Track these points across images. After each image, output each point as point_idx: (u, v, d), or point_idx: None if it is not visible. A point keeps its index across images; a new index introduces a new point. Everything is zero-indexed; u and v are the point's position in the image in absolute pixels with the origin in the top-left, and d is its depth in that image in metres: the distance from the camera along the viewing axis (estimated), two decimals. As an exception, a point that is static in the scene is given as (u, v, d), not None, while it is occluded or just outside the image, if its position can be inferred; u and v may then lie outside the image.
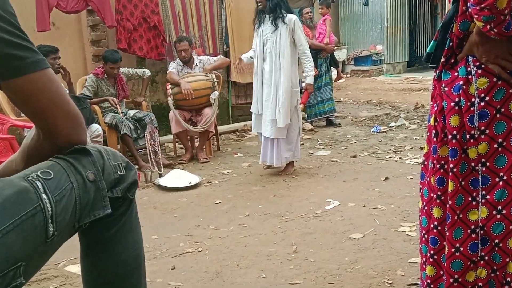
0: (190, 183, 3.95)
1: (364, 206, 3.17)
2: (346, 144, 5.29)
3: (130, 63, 5.48)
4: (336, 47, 7.26)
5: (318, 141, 5.52)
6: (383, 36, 11.97)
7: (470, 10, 1.27)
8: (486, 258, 1.46)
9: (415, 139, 5.26)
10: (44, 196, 0.91)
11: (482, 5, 1.20)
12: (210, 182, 4.09)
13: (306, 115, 6.53)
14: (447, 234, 1.50)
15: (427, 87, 9.45)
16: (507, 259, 1.44)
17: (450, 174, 1.46)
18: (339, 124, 6.42)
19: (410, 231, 2.66)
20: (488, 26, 1.25)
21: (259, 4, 3.89)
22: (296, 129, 4.06)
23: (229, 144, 5.70)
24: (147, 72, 5.16)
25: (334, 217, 3.01)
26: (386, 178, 3.78)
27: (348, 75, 12.12)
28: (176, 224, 3.09)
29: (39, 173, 0.94)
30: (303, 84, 4.62)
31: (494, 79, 1.37)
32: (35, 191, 0.90)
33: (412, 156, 4.48)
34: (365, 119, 6.80)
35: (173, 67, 5.00)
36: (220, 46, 6.43)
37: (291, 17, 3.83)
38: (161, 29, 5.66)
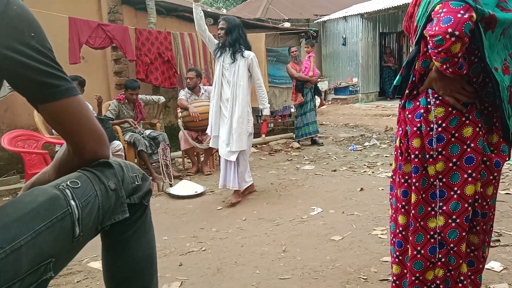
0: (196, 192, 3.92)
1: (343, 212, 3.16)
2: (328, 160, 5.29)
3: (147, 91, 5.51)
4: (319, 79, 7.32)
5: (304, 157, 5.52)
6: (358, 71, 12.10)
7: (430, 52, 1.28)
8: (443, 259, 1.46)
9: (386, 156, 5.27)
10: (72, 202, 0.90)
11: (440, 49, 1.21)
12: (213, 191, 4.07)
13: (294, 135, 6.56)
14: (410, 238, 1.49)
15: (395, 113, 9.51)
16: (460, 261, 1.45)
17: (413, 187, 1.47)
18: (322, 143, 6.43)
19: (381, 234, 2.65)
20: (445, 66, 1.26)
21: (220, 39, 3.58)
22: (247, 157, 3.76)
23: (229, 159, 5.68)
24: (162, 99, 5.17)
25: (317, 222, 2.99)
26: (362, 189, 3.77)
27: (329, 102, 12.20)
28: (183, 227, 3.06)
29: (68, 182, 0.93)
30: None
31: (450, 109, 1.38)
32: (64, 198, 0.90)
33: (383, 171, 4.48)
34: (343, 139, 6.82)
35: (183, 94, 5.02)
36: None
37: (249, 53, 3.55)
38: (173, 62, 5.70)
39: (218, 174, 4.73)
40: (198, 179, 4.55)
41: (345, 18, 12.41)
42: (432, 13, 1.25)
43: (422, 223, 1.47)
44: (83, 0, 5.44)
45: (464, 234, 1.41)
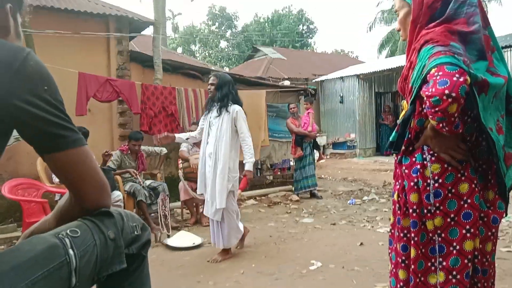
0: (194, 243, 3.82)
1: (343, 267, 3.05)
2: (327, 213, 5.21)
3: (149, 142, 5.57)
4: (318, 134, 7.43)
5: (303, 210, 5.44)
6: (355, 127, 12.34)
7: (426, 111, 1.31)
8: None
9: (385, 211, 5.20)
10: (70, 251, 0.89)
11: (437, 109, 1.24)
12: (211, 243, 3.96)
13: (293, 188, 6.52)
14: None
15: (393, 168, 9.51)
16: None
17: (412, 242, 1.44)
18: (321, 196, 6.37)
19: (383, 290, 2.55)
20: (441, 125, 1.29)
21: (209, 93, 3.51)
22: (234, 214, 3.45)
23: (228, 211, 5.60)
24: (164, 151, 5.21)
25: (317, 277, 2.88)
26: (361, 244, 3.67)
27: (328, 157, 12.29)
28: (180, 280, 2.94)
29: (68, 231, 0.93)
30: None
31: (445, 166, 1.40)
32: (63, 247, 0.89)
33: (382, 225, 4.40)
34: (342, 193, 6.77)
35: (185, 146, 5.08)
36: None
37: (234, 108, 3.43)
38: (176, 116, 5.82)
39: (216, 226, 4.66)
40: (197, 230, 4.45)
41: (342, 78, 12.88)
42: (428, 75, 1.29)
43: (422, 278, 1.43)
44: (94, 57, 5.68)
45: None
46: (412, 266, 1.44)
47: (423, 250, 1.43)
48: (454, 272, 1.37)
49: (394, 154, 1.59)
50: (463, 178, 1.38)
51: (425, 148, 1.43)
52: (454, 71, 1.23)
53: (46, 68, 0.93)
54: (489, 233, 1.42)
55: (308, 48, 27.91)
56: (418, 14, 1.44)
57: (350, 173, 9.26)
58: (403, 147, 1.51)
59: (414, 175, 1.44)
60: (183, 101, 5.98)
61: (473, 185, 1.38)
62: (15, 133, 0.92)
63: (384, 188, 7.09)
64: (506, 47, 8.98)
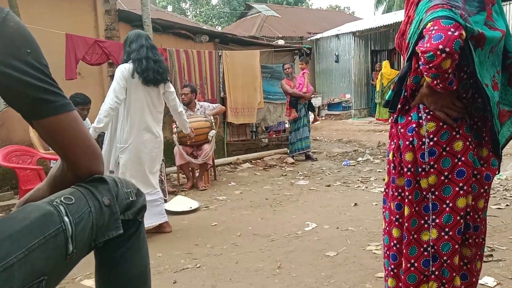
0: (191, 207, 3.89)
1: (337, 228, 3.14)
2: (322, 175, 5.29)
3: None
4: (312, 95, 7.38)
5: (299, 172, 5.51)
6: (351, 87, 12.26)
7: (421, 67, 1.30)
8: (436, 272, 1.45)
9: (379, 171, 5.28)
10: (66, 218, 0.89)
11: (431, 65, 1.23)
12: (208, 207, 4.03)
13: (288, 151, 6.57)
14: (404, 251, 1.49)
15: (387, 128, 9.58)
16: (454, 274, 1.44)
17: (406, 200, 1.47)
18: (316, 158, 6.44)
19: (376, 249, 2.63)
20: (435, 82, 1.28)
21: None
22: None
23: (224, 174, 5.67)
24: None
25: (312, 238, 2.96)
26: (355, 204, 3.76)
27: (323, 118, 12.30)
28: (178, 244, 3.02)
29: (62, 198, 0.92)
30: None
31: (440, 124, 1.40)
32: (58, 214, 0.89)
33: (376, 186, 4.49)
34: (337, 154, 6.84)
35: (178, 110, 5.02)
36: (217, 93, 6.51)
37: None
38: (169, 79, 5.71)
39: (213, 190, 4.73)
40: (193, 195, 4.52)
41: (337, 36, 12.62)
42: (424, 30, 1.27)
43: (415, 236, 1.47)
44: (80, 17, 5.47)
45: (457, 246, 1.41)
46: (406, 224, 1.47)
47: (416, 208, 1.46)
48: (447, 229, 1.40)
49: (389, 113, 1.59)
50: (457, 136, 1.39)
51: (421, 106, 1.43)
52: (449, 25, 1.20)
53: (27, 29, 0.88)
54: (482, 190, 1.44)
55: (303, 4, 27.06)
56: None
57: (345, 135, 9.31)
58: (399, 106, 1.50)
59: (410, 134, 1.44)
60: (174, 62, 5.86)
61: (467, 143, 1.39)
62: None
63: (379, 148, 7.17)
64: (505, 0, 8.75)
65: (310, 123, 6.95)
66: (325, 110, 12.70)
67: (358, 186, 4.53)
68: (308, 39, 13.47)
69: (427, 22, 1.26)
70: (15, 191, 4.47)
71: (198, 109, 5.08)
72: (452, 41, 1.19)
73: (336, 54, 12.63)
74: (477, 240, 1.48)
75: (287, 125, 7.24)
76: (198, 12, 27.22)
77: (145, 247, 1.17)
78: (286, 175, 5.39)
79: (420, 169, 1.43)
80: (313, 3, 29.00)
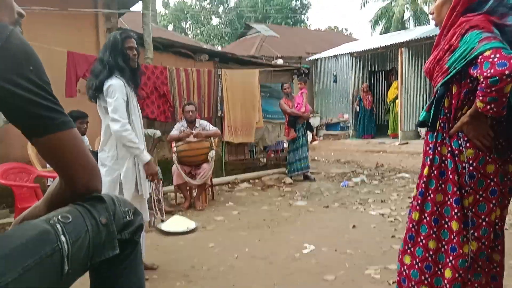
0: (188, 228, 3.85)
1: (336, 250, 3.11)
2: (320, 196, 5.27)
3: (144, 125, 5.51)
4: (311, 115, 7.44)
5: (297, 193, 5.50)
6: (348, 107, 12.33)
7: (478, 91, 1.46)
8: (472, 278, 1.64)
9: (377, 193, 5.27)
10: (62, 237, 0.89)
11: (493, 88, 1.40)
12: (205, 227, 4.00)
13: (286, 170, 6.57)
14: (454, 262, 1.62)
15: (385, 149, 9.62)
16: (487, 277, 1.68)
17: (455, 217, 1.63)
18: (314, 179, 6.43)
19: (375, 274, 2.60)
20: (489, 106, 1.44)
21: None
22: None
23: (222, 194, 5.64)
24: (158, 133, 5.15)
25: (310, 260, 2.93)
26: (354, 226, 3.74)
27: (321, 138, 12.33)
28: (174, 265, 2.97)
29: (59, 217, 0.92)
30: None
31: (477, 150, 1.59)
32: (55, 233, 0.88)
33: (375, 207, 4.47)
34: (335, 175, 6.83)
35: (177, 127, 5.07)
36: (214, 112, 6.51)
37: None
38: (168, 97, 5.76)
39: (210, 210, 4.70)
40: (191, 215, 4.48)
41: (335, 56, 12.79)
42: (481, 56, 1.43)
43: (462, 249, 1.63)
44: (82, 35, 5.55)
45: (489, 250, 1.65)
46: (456, 239, 1.62)
47: (461, 225, 1.64)
48: (484, 240, 1.61)
49: (427, 131, 1.76)
50: (489, 160, 1.59)
51: (460, 134, 1.61)
52: (510, 55, 1.39)
53: (31, 47, 0.90)
54: (506, 202, 1.67)
55: (302, 24, 27.56)
56: (457, 2, 1.61)
57: (343, 155, 9.32)
58: (439, 126, 1.68)
59: (454, 160, 1.63)
60: (174, 81, 5.91)
61: (497, 165, 1.59)
62: (3, 115, 0.91)
63: (377, 169, 7.17)
64: None
65: (309, 142, 6.97)
66: (323, 130, 12.74)
67: (357, 208, 4.51)
68: (306, 59, 13.64)
69: (485, 50, 1.42)
70: (11, 209, 4.42)
71: (197, 127, 5.10)
72: None
73: (334, 74, 12.77)
74: (501, 246, 1.70)
75: (285, 145, 7.25)
76: (199, 32, 27.67)
77: (141, 268, 1.16)
78: (284, 195, 5.37)
79: (463, 191, 1.62)
80: (312, 24, 29.53)
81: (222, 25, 27.72)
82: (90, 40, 5.62)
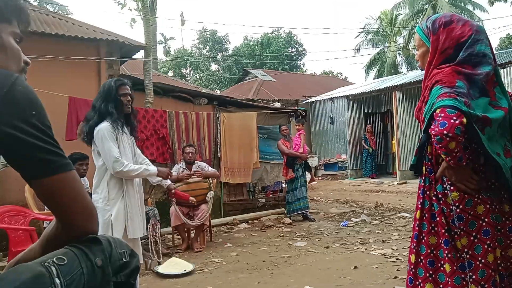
0: (185, 270, 3.74)
1: (337, 292, 3.01)
2: (320, 236, 5.17)
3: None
4: (309, 156, 7.48)
5: (296, 233, 5.39)
6: (346, 148, 12.42)
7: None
8: None
9: (378, 232, 5.18)
10: (57, 280, 0.86)
11: (440, 145, 1.49)
12: (203, 269, 3.88)
13: (285, 211, 6.49)
14: None
15: (384, 189, 9.57)
16: None
17: (446, 258, 1.62)
18: (314, 219, 6.34)
19: (378, 316, 2.51)
20: (447, 158, 1.53)
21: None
22: None
23: (221, 235, 5.53)
24: (155, 176, 5.16)
25: (311, 303, 2.83)
26: (355, 267, 3.63)
27: (320, 178, 12.31)
28: (170, 309, 2.86)
29: (54, 259, 0.90)
30: None
31: (462, 193, 1.60)
32: (49, 276, 0.86)
33: (376, 247, 4.37)
34: (335, 215, 6.74)
35: (176, 169, 5.07)
36: (214, 153, 6.56)
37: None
38: (167, 139, 5.81)
39: (208, 251, 4.59)
40: (188, 257, 4.37)
41: (331, 99, 13.07)
42: (434, 114, 1.53)
43: None
44: (84, 81, 5.69)
45: None
46: (450, 281, 1.60)
47: (454, 267, 1.61)
48: (483, 282, 1.57)
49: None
50: (479, 201, 1.59)
51: (445, 178, 1.64)
52: (452, 114, 1.47)
53: (34, 93, 0.93)
54: (508, 241, 1.63)
55: (298, 70, 28.37)
56: (433, 57, 1.71)
57: (342, 195, 9.25)
58: (425, 171, 1.71)
59: (440, 203, 1.64)
60: (173, 123, 5.99)
61: (488, 205, 1.59)
62: (2, 159, 0.91)
63: (377, 209, 7.09)
64: (507, 63, 9.05)
65: (307, 183, 6.95)
66: (322, 170, 12.75)
67: (358, 248, 4.41)
68: (303, 102, 13.93)
69: (436, 108, 1.52)
70: (5, 253, 4.31)
71: (196, 168, 5.10)
72: (454, 127, 1.45)
73: (331, 116, 12.98)
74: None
75: (284, 185, 7.22)
76: (198, 77, 28.41)
77: (136, 312, 1.12)
78: (283, 236, 5.27)
79: (453, 233, 1.61)
80: (307, 68, 30.38)
81: (221, 71, 28.53)
82: (92, 86, 5.75)
